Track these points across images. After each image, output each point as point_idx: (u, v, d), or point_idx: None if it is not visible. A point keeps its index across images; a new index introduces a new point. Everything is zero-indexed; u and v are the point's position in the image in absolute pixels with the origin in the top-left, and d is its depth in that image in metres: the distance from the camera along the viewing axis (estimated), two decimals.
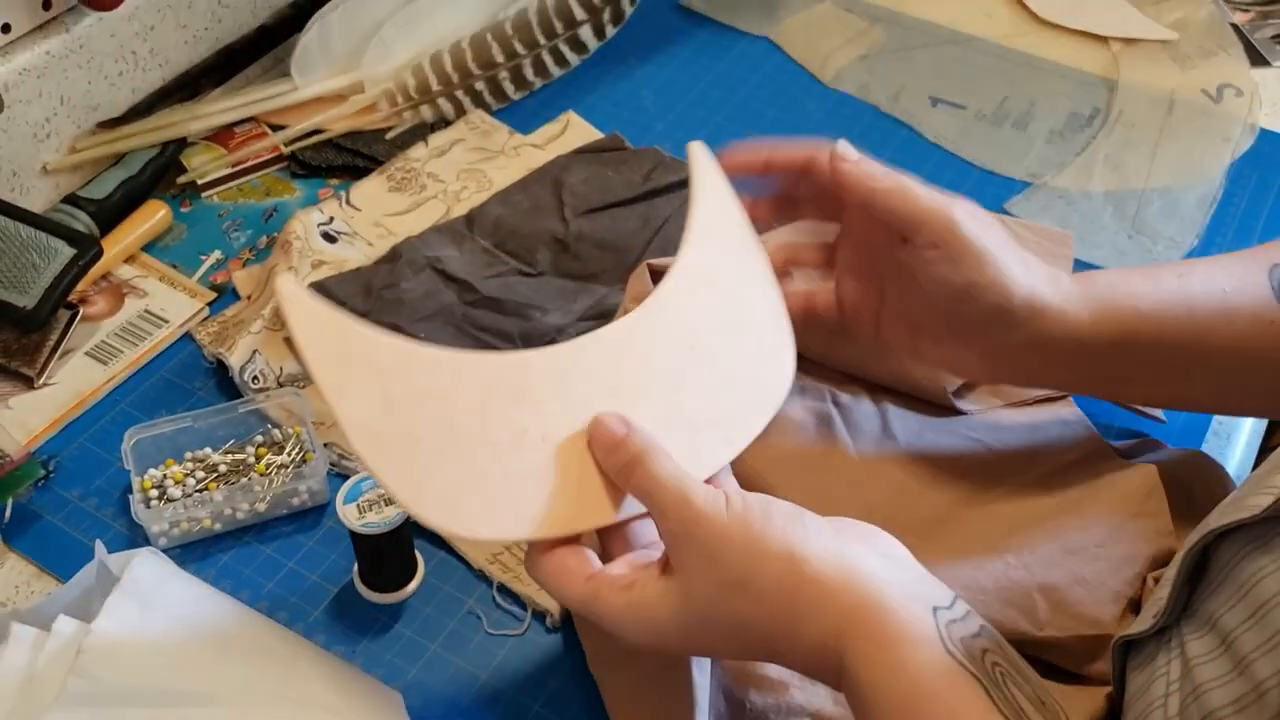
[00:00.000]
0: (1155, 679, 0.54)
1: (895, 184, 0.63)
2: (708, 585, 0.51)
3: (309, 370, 0.53)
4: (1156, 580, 0.63)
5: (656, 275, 0.74)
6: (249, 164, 0.93)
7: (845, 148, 0.65)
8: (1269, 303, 0.63)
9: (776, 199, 0.69)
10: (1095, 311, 0.63)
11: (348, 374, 0.53)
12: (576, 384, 0.57)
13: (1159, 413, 0.75)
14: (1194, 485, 0.70)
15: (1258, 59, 1.06)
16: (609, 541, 0.57)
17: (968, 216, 0.63)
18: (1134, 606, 0.63)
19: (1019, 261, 0.63)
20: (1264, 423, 0.81)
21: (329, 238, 0.86)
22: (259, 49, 0.99)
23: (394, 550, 0.66)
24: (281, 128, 0.95)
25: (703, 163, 0.65)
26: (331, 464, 0.73)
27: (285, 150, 0.94)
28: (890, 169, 0.64)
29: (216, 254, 0.87)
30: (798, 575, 0.50)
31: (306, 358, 0.53)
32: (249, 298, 0.84)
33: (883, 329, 0.67)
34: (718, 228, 0.64)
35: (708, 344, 0.61)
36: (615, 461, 0.55)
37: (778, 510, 0.52)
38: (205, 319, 0.83)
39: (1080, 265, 0.85)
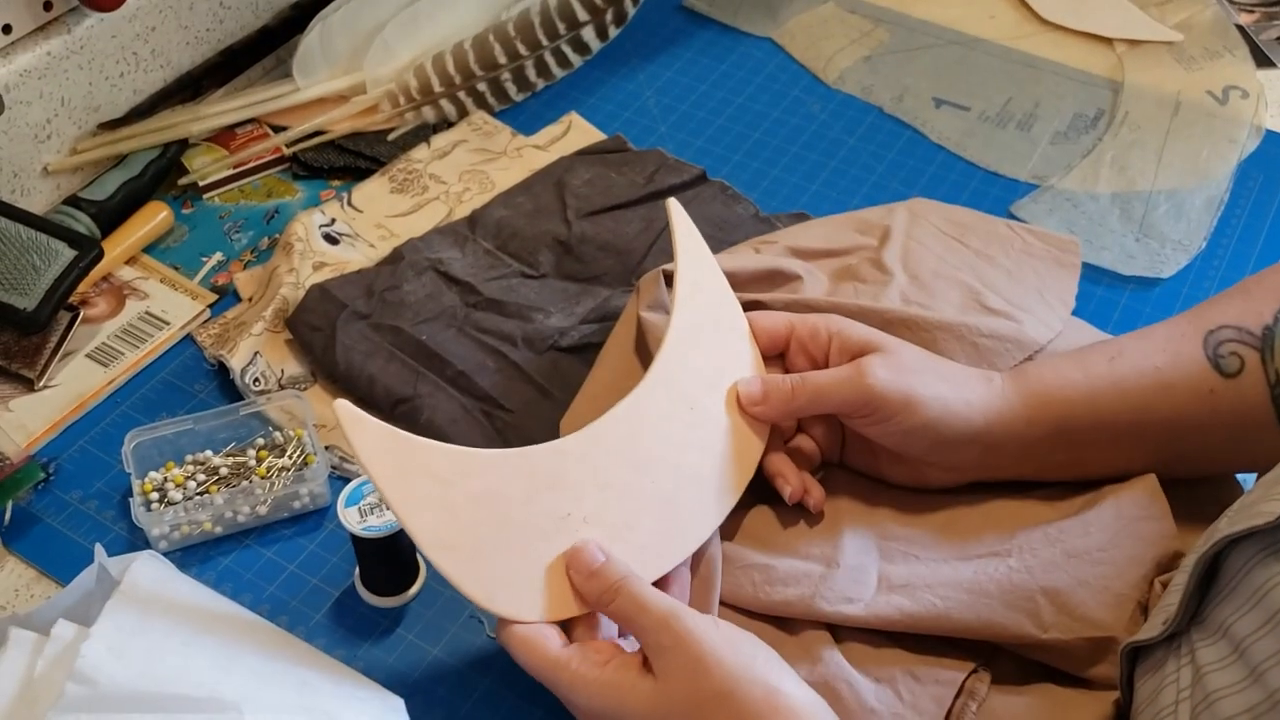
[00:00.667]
0: (1165, 686, 0.53)
1: (807, 392, 0.66)
2: (690, 694, 0.54)
3: (377, 488, 0.58)
4: (1164, 585, 0.63)
5: (669, 280, 0.74)
6: (250, 165, 0.92)
7: (748, 389, 0.67)
8: (1205, 372, 0.64)
9: None
10: (1029, 407, 0.65)
11: (412, 489, 0.58)
12: (605, 464, 0.63)
13: None
14: (1198, 488, 0.69)
15: (1263, 60, 1.05)
16: (575, 625, 0.60)
17: (884, 370, 0.64)
18: (1139, 610, 0.63)
19: (948, 386, 0.65)
20: None
21: (331, 239, 0.86)
22: (261, 50, 0.98)
23: (395, 554, 0.66)
24: (283, 129, 0.94)
25: (680, 220, 0.71)
26: (333, 467, 0.73)
27: (287, 151, 0.94)
28: (814, 324, 0.68)
29: (218, 255, 0.87)
30: (774, 705, 0.53)
31: (373, 476, 0.57)
32: (250, 299, 0.83)
33: (846, 456, 0.71)
34: (701, 283, 0.70)
35: (703, 402, 0.67)
36: (594, 587, 0.59)
37: (761, 648, 0.56)
38: (206, 321, 0.82)
39: (1089, 269, 0.84)
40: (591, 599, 0.59)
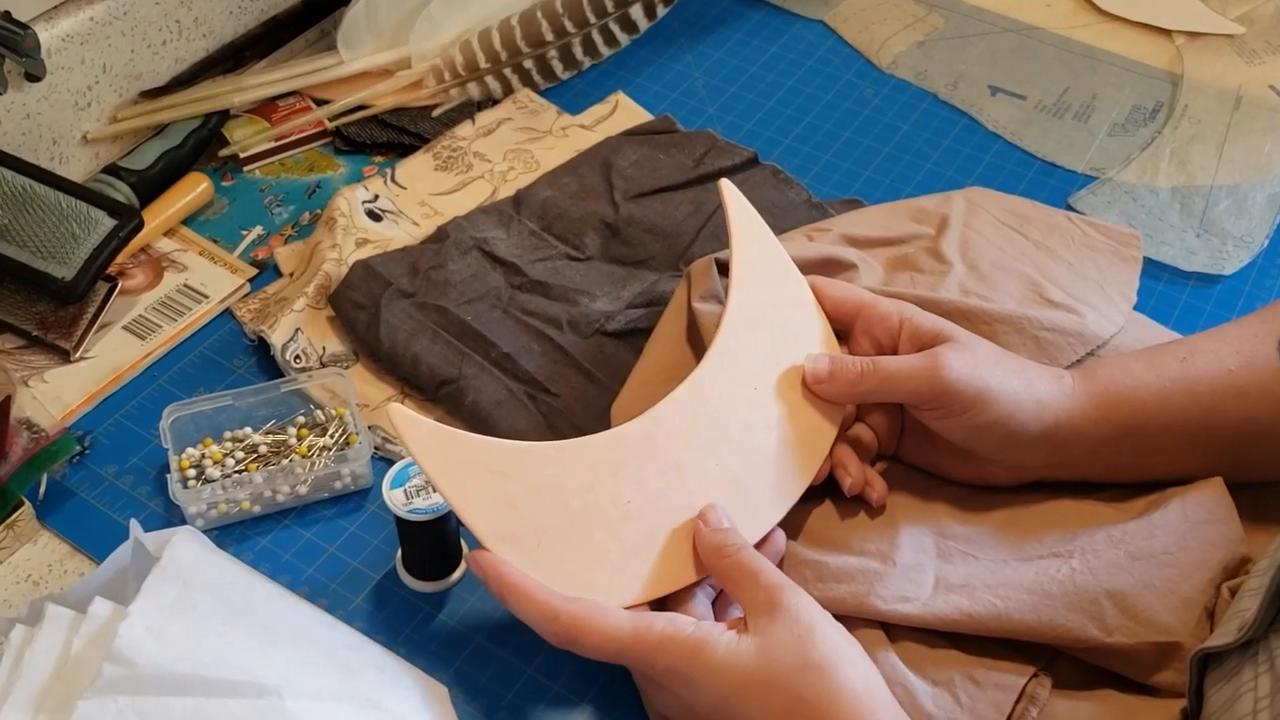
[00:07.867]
0: (1241, 694, 0.51)
1: (876, 376, 0.64)
2: (791, 656, 0.53)
3: (435, 486, 0.58)
4: (1231, 590, 0.61)
5: (722, 268, 0.72)
6: (292, 138, 0.91)
7: (815, 366, 0.65)
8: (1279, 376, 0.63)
9: None
10: (1099, 408, 0.64)
11: (470, 484, 0.58)
12: (664, 448, 0.62)
13: None
14: (1263, 491, 0.67)
15: None
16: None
17: (958, 363, 0.62)
18: (1206, 615, 0.61)
19: (1021, 383, 0.63)
20: None
21: (374, 215, 0.84)
22: (305, 21, 0.97)
23: (439, 537, 0.64)
24: (326, 102, 0.93)
25: (734, 199, 0.69)
26: (375, 447, 0.71)
27: (329, 125, 0.92)
28: (879, 310, 0.66)
29: (258, 229, 0.86)
30: (872, 693, 0.53)
31: (430, 475, 0.57)
32: (291, 275, 0.82)
33: (902, 450, 0.69)
34: (759, 262, 0.68)
35: (768, 381, 0.65)
36: (716, 541, 0.59)
37: (857, 648, 0.55)
38: (246, 295, 0.81)
39: (1149, 264, 0.82)
40: (707, 550, 0.59)
